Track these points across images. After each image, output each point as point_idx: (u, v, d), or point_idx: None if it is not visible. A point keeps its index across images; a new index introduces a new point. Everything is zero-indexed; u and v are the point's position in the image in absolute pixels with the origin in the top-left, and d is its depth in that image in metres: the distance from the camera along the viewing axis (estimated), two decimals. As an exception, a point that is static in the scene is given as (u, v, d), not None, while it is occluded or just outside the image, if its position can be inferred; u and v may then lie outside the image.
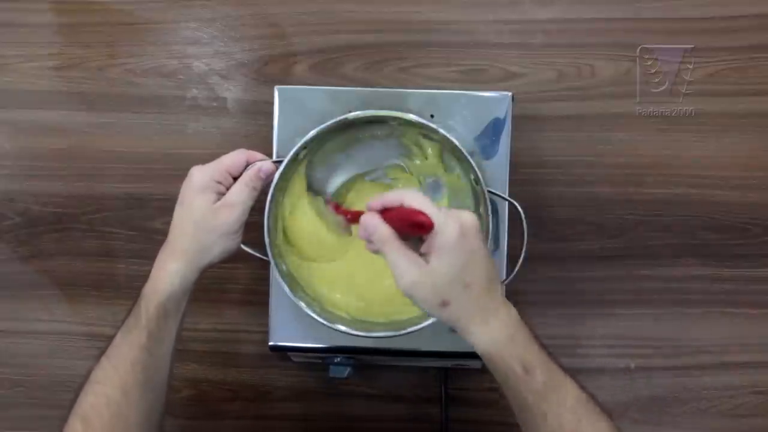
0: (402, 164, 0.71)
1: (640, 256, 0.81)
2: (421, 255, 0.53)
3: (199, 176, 0.63)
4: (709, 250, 0.81)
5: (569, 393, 0.54)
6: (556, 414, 0.53)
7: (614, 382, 0.81)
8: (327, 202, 0.69)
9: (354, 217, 0.61)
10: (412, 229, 0.52)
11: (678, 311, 0.81)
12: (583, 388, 0.55)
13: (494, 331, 0.53)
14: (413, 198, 0.53)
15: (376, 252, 0.55)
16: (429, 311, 0.54)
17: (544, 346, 0.55)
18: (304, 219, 0.69)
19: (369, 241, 0.55)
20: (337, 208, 0.66)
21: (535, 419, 0.53)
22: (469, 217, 0.52)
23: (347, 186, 0.71)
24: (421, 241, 0.53)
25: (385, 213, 0.54)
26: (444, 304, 0.53)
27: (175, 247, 0.63)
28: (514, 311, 0.55)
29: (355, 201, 0.71)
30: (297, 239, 0.70)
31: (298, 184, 0.69)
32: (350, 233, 0.69)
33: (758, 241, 0.81)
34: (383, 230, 0.53)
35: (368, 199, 0.68)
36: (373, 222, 0.54)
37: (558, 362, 0.55)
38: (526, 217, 0.66)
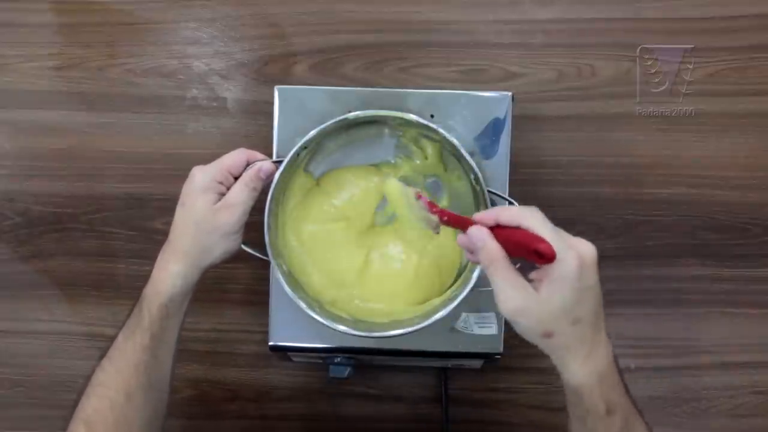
0: (393, 162, 0.71)
1: (640, 256, 0.81)
2: (530, 281, 0.50)
3: (201, 177, 0.63)
4: (709, 250, 0.81)
5: None
6: None
7: (614, 382, 0.81)
8: (419, 197, 0.62)
9: (452, 221, 0.57)
10: (529, 256, 0.48)
11: (678, 311, 0.81)
12: None
13: (589, 369, 0.51)
14: (533, 221, 0.49)
15: (477, 263, 0.52)
16: (528, 338, 0.51)
17: (627, 388, 0.54)
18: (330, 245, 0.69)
19: (470, 251, 0.52)
20: (432, 206, 0.60)
21: None
22: (589, 251, 0.49)
23: None
24: (532, 266, 0.50)
25: (497, 230, 0.51)
26: (547, 335, 0.50)
27: (176, 248, 0.63)
28: (610, 349, 0.53)
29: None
30: (317, 265, 0.69)
31: (316, 208, 0.69)
32: (438, 232, 0.63)
33: (758, 241, 0.81)
34: (493, 249, 0.50)
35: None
36: (482, 237, 0.50)
37: (636, 407, 0.54)
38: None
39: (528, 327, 0.50)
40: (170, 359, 0.64)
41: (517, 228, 0.50)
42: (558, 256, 0.47)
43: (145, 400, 0.60)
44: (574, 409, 0.53)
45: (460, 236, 0.53)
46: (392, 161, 0.71)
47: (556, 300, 0.49)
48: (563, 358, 0.51)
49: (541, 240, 0.47)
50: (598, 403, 0.51)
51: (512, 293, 0.49)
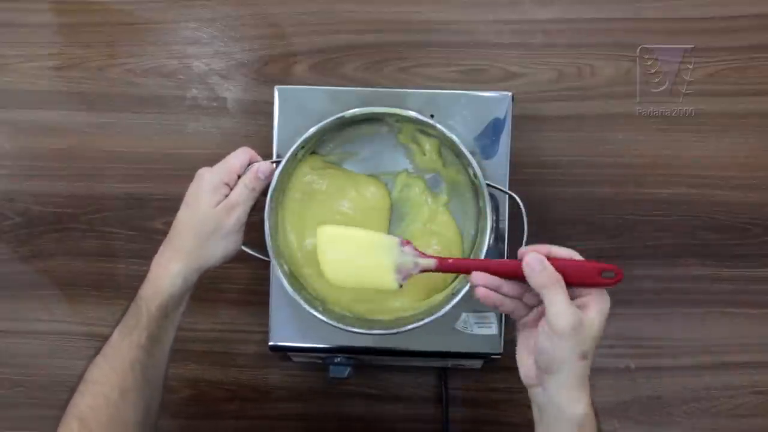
0: (408, 169, 0.71)
1: (640, 256, 0.81)
2: None
3: (209, 177, 0.64)
4: (709, 250, 0.81)
5: None
6: None
7: (614, 382, 0.81)
8: (403, 243, 0.60)
9: (457, 266, 0.61)
10: (590, 279, 0.54)
11: (678, 311, 0.81)
12: None
13: (587, 402, 0.54)
14: (578, 257, 0.55)
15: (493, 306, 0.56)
16: (566, 358, 0.53)
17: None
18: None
19: (489, 289, 0.56)
20: (422, 253, 0.60)
21: None
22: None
23: None
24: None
25: (551, 261, 0.54)
26: (583, 357, 0.53)
27: (177, 248, 0.63)
28: None
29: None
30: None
31: (316, 209, 0.69)
32: (403, 283, 0.61)
33: (758, 241, 0.81)
34: (554, 271, 0.54)
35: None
36: (542, 260, 0.54)
37: None
38: (525, 209, 0.66)
39: (572, 346, 0.53)
40: (166, 358, 0.64)
41: (569, 259, 0.55)
42: (600, 291, 0.54)
43: (140, 399, 0.60)
44: None
45: (525, 268, 0.54)
46: (400, 168, 0.71)
47: (597, 325, 0.53)
48: (582, 387, 0.54)
49: (609, 264, 0.54)
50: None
51: (570, 311, 0.52)
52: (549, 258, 0.54)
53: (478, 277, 0.56)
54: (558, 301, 0.53)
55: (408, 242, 0.60)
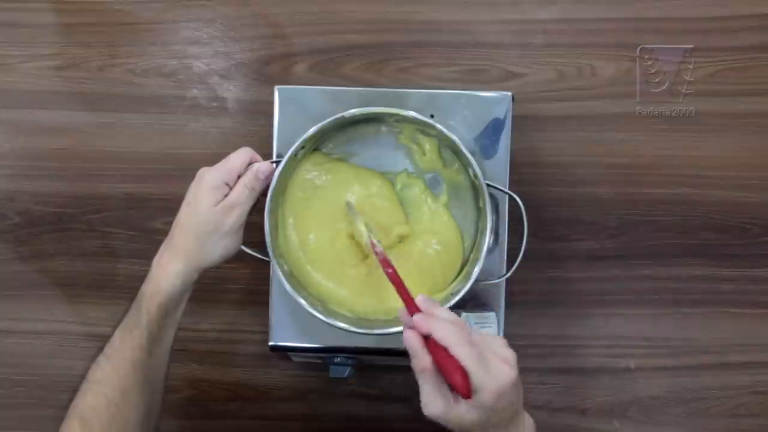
0: (408, 169, 0.71)
1: (640, 256, 0.81)
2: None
3: (209, 177, 0.64)
4: (709, 250, 0.81)
5: None
6: None
7: (614, 382, 0.81)
8: (374, 246, 0.62)
9: (393, 278, 0.58)
10: (453, 380, 0.51)
11: (678, 311, 0.81)
12: None
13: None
14: (458, 349, 0.50)
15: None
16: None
17: None
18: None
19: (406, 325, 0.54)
20: (385, 262, 0.60)
21: None
22: (507, 378, 0.51)
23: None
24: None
25: (429, 341, 0.52)
26: (481, 428, 0.51)
27: (177, 248, 0.63)
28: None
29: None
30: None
31: (317, 206, 0.70)
32: (364, 259, 0.69)
33: (758, 241, 0.81)
34: (424, 359, 0.51)
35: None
36: (415, 347, 0.52)
37: None
38: (526, 209, 0.66)
39: (455, 426, 0.52)
40: (166, 358, 0.64)
41: (446, 349, 0.51)
42: (475, 385, 0.50)
43: (141, 399, 0.61)
44: None
45: (402, 313, 0.54)
46: (400, 169, 0.71)
47: (472, 417, 0.51)
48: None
49: (459, 374, 0.50)
50: None
51: (433, 400, 0.51)
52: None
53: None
54: (423, 389, 0.51)
55: (374, 245, 0.61)
